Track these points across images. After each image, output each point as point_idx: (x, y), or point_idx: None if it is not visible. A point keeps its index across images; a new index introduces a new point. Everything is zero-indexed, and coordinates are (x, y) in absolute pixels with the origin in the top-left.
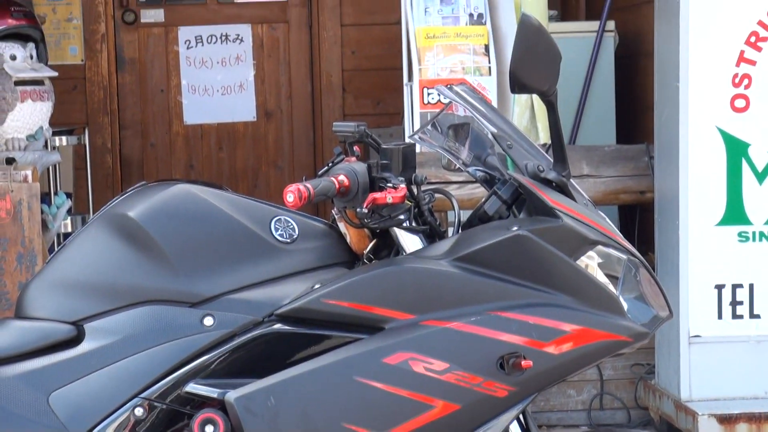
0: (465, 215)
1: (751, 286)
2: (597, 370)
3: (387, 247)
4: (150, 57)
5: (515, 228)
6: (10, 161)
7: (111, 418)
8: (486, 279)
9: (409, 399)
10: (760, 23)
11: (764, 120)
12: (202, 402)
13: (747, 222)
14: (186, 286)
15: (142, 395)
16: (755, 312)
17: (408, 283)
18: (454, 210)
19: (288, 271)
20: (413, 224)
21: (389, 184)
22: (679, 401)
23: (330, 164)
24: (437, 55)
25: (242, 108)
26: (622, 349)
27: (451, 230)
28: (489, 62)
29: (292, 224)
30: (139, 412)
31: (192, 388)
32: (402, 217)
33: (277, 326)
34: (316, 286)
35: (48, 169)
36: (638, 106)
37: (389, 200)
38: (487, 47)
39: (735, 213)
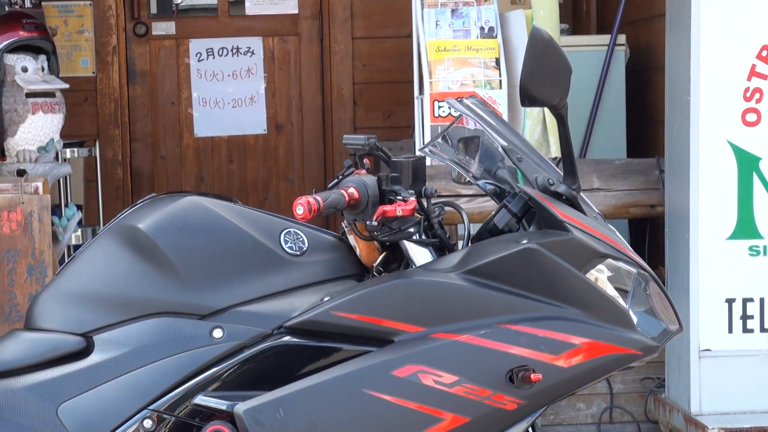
0: (475, 228)
1: (761, 300)
2: (607, 384)
3: (397, 260)
4: (161, 69)
5: (525, 241)
6: (21, 173)
7: (120, 430)
8: (495, 292)
9: (418, 412)
10: None
11: None
12: (211, 414)
13: (758, 236)
14: (195, 299)
15: (151, 407)
16: (766, 326)
17: (417, 296)
18: (464, 223)
19: (297, 283)
20: (423, 237)
21: (399, 197)
22: (690, 415)
23: (340, 177)
24: (448, 68)
25: (253, 121)
26: (632, 362)
27: (460, 243)
28: (500, 76)
29: (301, 237)
30: (148, 424)
31: (201, 400)
32: (412, 230)
33: (287, 339)
34: (326, 299)
35: (59, 181)
36: (649, 120)
37: (399, 213)
38: (498, 61)
39: (746, 227)
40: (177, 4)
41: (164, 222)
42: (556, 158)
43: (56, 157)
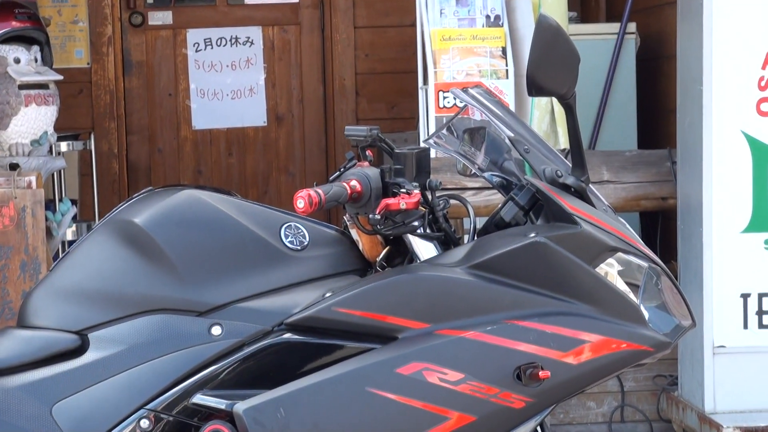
0: (481, 222)
1: None
2: (618, 382)
3: (400, 254)
4: (158, 60)
5: (532, 235)
6: (13, 167)
7: (116, 430)
8: (502, 287)
9: (423, 410)
10: None
11: None
12: (209, 414)
13: None
14: (193, 295)
15: (148, 407)
16: None
17: (422, 292)
18: (470, 216)
19: (298, 279)
20: (427, 231)
21: (403, 190)
22: (703, 414)
23: (342, 169)
24: (453, 57)
25: (252, 112)
26: (644, 359)
27: (466, 237)
28: (506, 65)
29: (302, 231)
30: (144, 424)
31: (199, 399)
32: (416, 223)
33: (287, 336)
34: (328, 295)
35: (53, 175)
36: (660, 110)
37: (403, 206)
38: (504, 50)
39: (761, 219)
40: None
41: (161, 216)
42: (564, 149)
43: (50, 151)
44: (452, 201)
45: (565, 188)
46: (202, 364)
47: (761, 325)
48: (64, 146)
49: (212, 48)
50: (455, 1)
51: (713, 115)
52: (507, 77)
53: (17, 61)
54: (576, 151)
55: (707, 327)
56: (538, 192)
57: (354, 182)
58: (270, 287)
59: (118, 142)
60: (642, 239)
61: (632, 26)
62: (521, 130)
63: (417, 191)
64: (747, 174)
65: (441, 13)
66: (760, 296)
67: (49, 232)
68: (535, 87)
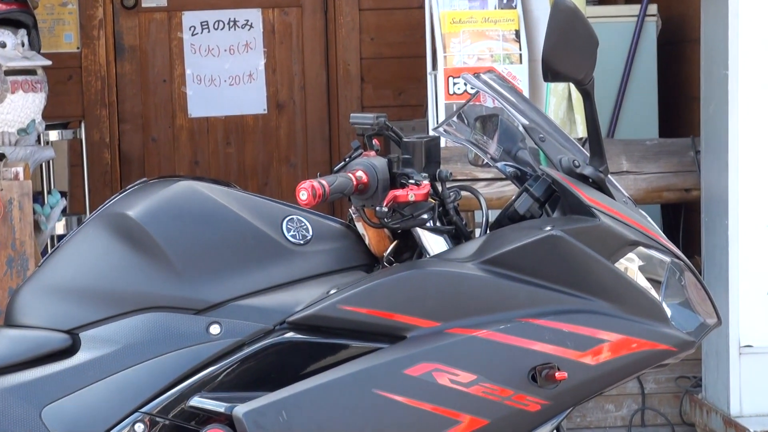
0: (493, 215)
1: None
2: (638, 383)
3: (409, 248)
4: (152, 44)
5: (548, 228)
6: None
7: None
8: (516, 283)
9: (432, 414)
10: None
11: None
12: (208, 417)
13: None
14: (190, 292)
15: (143, 410)
16: None
17: (431, 288)
18: (482, 209)
19: (301, 275)
20: (437, 224)
21: (411, 181)
22: (729, 417)
23: (347, 159)
24: (464, 41)
25: (252, 100)
26: (666, 359)
27: (478, 231)
28: (520, 49)
29: (305, 224)
30: (139, 428)
31: (197, 401)
32: (425, 216)
33: (289, 335)
34: (332, 292)
35: (41, 165)
36: (683, 97)
37: (411, 198)
38: (517, 33)
39: None
40: None
41: (156, 209)
42: (582, 138)
43: (38, 140)
44: (463, 192)
45: (583, 179)
46: (199, 364)
47: None
48: (53, 135)
49: (209, 31)
50: None
51: (739, 102)
52: (521, 62)
53: (3, 45)
54: (594, 140)
55: (733, 325)
56: (554, 183)
57: (360, 173)
58: (271, 284)
59: (110, 131)
60: (664, 233)
61: (653, 8)
62: (536, 118)
63: (426, 182)
64: None
65: None
66: None
67: (37, 226)
68: (552, 72)
